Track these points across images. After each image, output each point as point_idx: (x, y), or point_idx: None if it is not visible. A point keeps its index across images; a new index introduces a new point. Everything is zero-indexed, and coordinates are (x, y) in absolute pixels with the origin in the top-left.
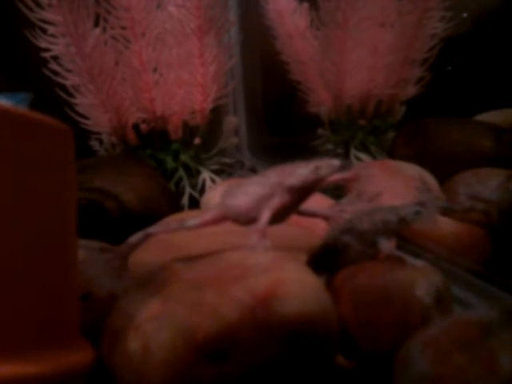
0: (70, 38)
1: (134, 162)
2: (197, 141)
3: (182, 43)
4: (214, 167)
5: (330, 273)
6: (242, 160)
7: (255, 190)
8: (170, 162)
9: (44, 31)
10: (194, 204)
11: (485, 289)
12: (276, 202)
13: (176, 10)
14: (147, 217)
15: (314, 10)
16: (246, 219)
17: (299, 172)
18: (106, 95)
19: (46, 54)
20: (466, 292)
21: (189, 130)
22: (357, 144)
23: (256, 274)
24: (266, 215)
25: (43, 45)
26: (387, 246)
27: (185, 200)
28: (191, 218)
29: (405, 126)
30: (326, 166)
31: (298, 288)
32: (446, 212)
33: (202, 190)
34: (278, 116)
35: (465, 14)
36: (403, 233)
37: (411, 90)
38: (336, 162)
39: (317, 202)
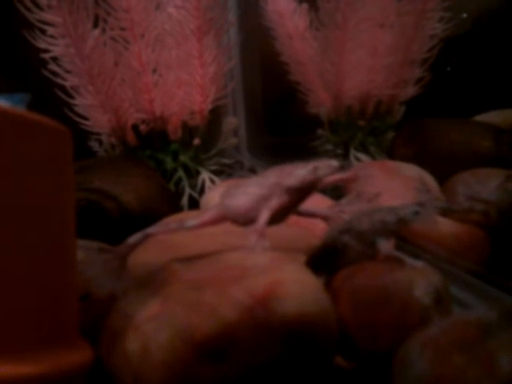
0: (69, 38)
1: (134, 162)
2: (196, 141)
3: (181, 44)
4: (214, 168)
5: (329, 273)
6: (242, 160)
7: (254, 190)
8: (169, 163)
9: (43, 32)
10: (194, 204)
11: (484, 289)
12: (275, 202)
13: (175, 11)
14: (146, 217)
15: (313, 11)
16: (245, 220)
17: (298, 172)
18: (106, 96)
19: (46, 55)
20: (465, 292)
21: (188, 131)
22: (356, 144)
23: (255, 275)
24: (264, 216)
25: (42, 46)
26: (386, 246)
27: (184, 200)
28: (190, 218)
29: (404, 127)
30: (324, 167)
31: (297, 288)
32: (445, 212)
33: (202, 191)
34: (278, 117)
35: (464, 15)
36: (402, 233)
37: (410, 91)
38: (335, 163)
39: (316, 202)
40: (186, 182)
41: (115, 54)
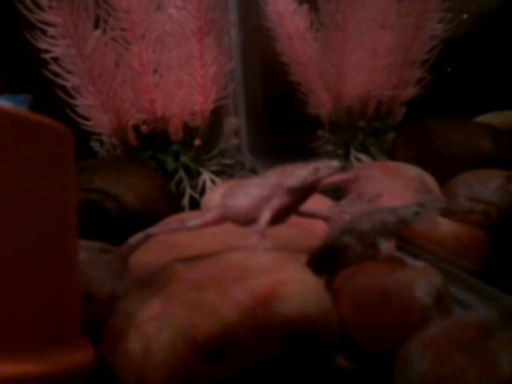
0: (70, 39)
1: (135, 162)
2: (197, 142)
3: (182, 45)
4: (215, 168)
5: (330, 274)
6: (243, 161)
7: (255, 191)
8: (170, 163)
9: (44, 33)
10: (195, 205)
11: (484, 290)
12: (276, 202)
13: (176, 12)
14: (147, 217)
15: (313, 12)
16: (246, 220)
17: (299, 173)
18: (107, 96)
19: (47, 56)
20: (465, 293)
21: (189, 131)
22: (357, 145)
23: (256, 275)
24: (265, 216)
25: (43, 46)
26: (387, 246)
27: (185, 201)
28: (191, 218)
29: (405, 128)
30: (325, 167)
31: (298, 289)
32: (445, 213)
33: (203, 191)
34: (278, 117)
35: (464, 16)
36: (403, 234)
37: (411, 92)
38: (335, 163)
39: (317, 202)
40: (186, 183)
41: (116, 55)
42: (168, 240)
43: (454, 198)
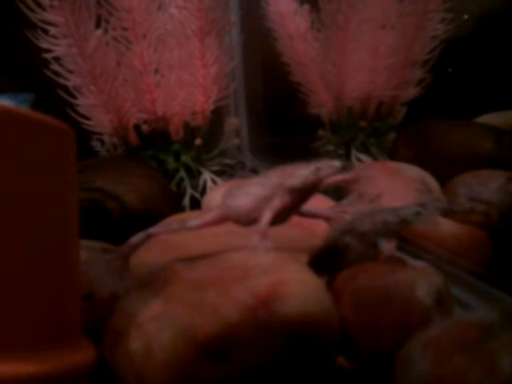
0: (71, 39)
1: (136, 162)
2: (198, 142)
3: (183, 45)
4: (215, 168)
5: (331, 274)
6: (243, 161)
7: (256, 190)
8: (171, 163)
9: (46, 32)
10: (195, 205)
11: (485, 290)
12: (277, 203)
13: (177, 12)
14: (148, 217)
15: (314, 12)
16: (247, 220)
17: (300, 173)
18: (108, 96)
19: (48, 55)
20: (466, 293)
21: (190, 131)
22: (358, 145)
23: (257, 275)
24: (266, 216)
25: (45, 46)
26: (388, 247)
27: (186, 201)
28: (192, 218)
29: (405, 128)
30: (326, 167)
31: (299, 289)
32: (446, 213)
33: (203, 191)
34: (279, 117)
35: (465, 16)
36: (404, 234)
37: (412, 92)
38: (336, 164)
39: (318, 203)
40: (187, 183)
41: (117, 54)
42: (169, 240)
43: (455, 198)
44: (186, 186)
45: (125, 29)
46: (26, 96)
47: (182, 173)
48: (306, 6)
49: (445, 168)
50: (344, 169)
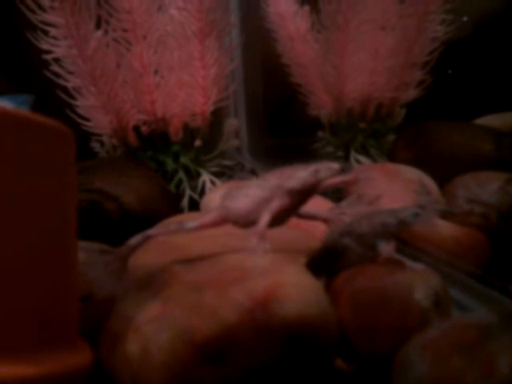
0: (71, 40)
1: (135, 163)
2: (197, 143)
3: (183, 46)
4: (215, 169)
5: (329, 275)
6: (243, 162)
7: (255, 192)
8: (170, 164)
9: (46, 33)
10: (194, 206)
11: (484, 292)
12: (276, 204)
13: (177, 13)
14: (147, 218)
15: (314, 13)
16: (246, 222)
17: (299, 175)
18: (108, 97)
19: (48, 56)
20: (464, 295)
21: (189, 132)
22: (357, 147)
23: (255, 277)
24: (265, 218)
25: (45, 47)
26: (386, 248)
27: (185, 202)
28: (191, 220)
29: (405, 129)
30: (325, 169)
31: (297, 291)
32: (445, 215)
33: (202, 192)
34: (279, 118)
35: (465, 18)
36: (403, 236)
37: (412, 94)
38: (335, 165)
39: (316, 204)
40: (186, 184)
41: (117, 56)
42: (167, 241)
43: (454, 200)
44: (184, 187)
45: (125, 30)
46: (26, 97)
47: (181, 174)
48: (306, 8)
49: (444, 170)
50: (343, 170)
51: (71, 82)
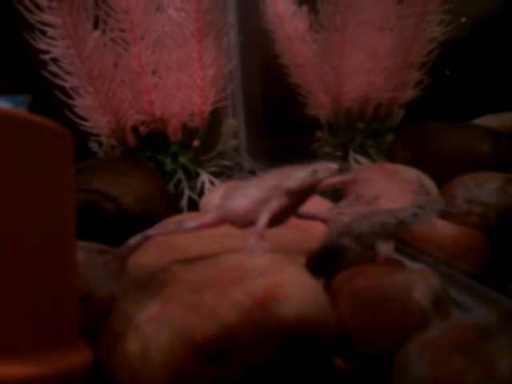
0: (69, 40)
1: (133, 163)
2: (196, 143)
3: (181, 46)
4: (213, 169)
5: (329, 275)
6: (241, 162)
7: (254, 192)
8: (169, 164)
9: (43, 33)
10: (193, 206)
11: (483, 292)
12: (274, 204)
13: (175, 13)
14: (146, 219)
15: (313, 14)
16: (245, 222)
17: (297, 175)
18: (105, 97)
19: (46, 56)
20: (464, 295)
21: (188, 133)
22: (355, 147)
23: (255, 277)
24: (264, 218)
25: (42, 47)
26: (385, 248)
27: (184, 202)
28: (190, 220)
29: (403, 130)
30: (324, 169)
31: (297, 290)
32: (444, 215)
33: (201, 192)
34: (277, 119)
35: (463, 19)
36: (402, 236)
37: (410, 94)
38: (334, 165)
39: (315, 204)
40: (185, 184)
41: (115, 56)
42: (167, 241)
43: (453, 200)
44: (183, 187)
45: (123, 30)
46: (24, 97)
47: (180, 174)
48: (305, 8)
49: (442, 170)
50: (341, 171)
51: (69, 82)
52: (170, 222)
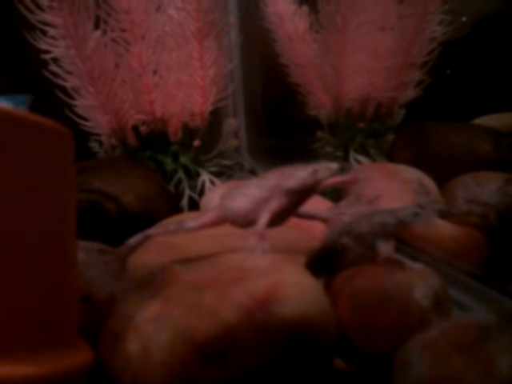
0: (70, 40)
1: (134, 163)
2: (196, 143)
3: (181, 46)
4: (214, 169)
5: (329, 275)
6: (242, 162)
7: (254, 192)
8: (169, 164)
9: (44, 33)
10: (194, 206)
11: (483, 292)
12: (275, 204)
13: (176, 13)
14: (146, 218)
15: (313, 13)
16: (245, 221)
17: (298, 175)
18: (106, 97)
19: (46, 56)
20: (464, 295)
21: (188, 132)
22: (356, 147)
23: (255, 277)
24: (264, 218)
25: (43, 47)
26: (386, 248)
27: (184, 202)
28: (190, 219)
29: (404, 129)
30: (324, 169)
31: (297, 290)
32: (444, 215)
33: (202, 192)
34: (278, 118)
35: (464, 18)
36: (402, 236)
37: (410, 94)
38: (334, 165)
39: (316, 204)
40: (185, 184)
41: (116, 56)
42: (167, 241)
43: (453, 200)
44: (184, 187)
45: (123, 30)
46: (24, 97)
47: (181, 174)
48: (305, 8)
49: (443, 170)
50: (342, 170)
51: (70, 82)
52: (171, 222)
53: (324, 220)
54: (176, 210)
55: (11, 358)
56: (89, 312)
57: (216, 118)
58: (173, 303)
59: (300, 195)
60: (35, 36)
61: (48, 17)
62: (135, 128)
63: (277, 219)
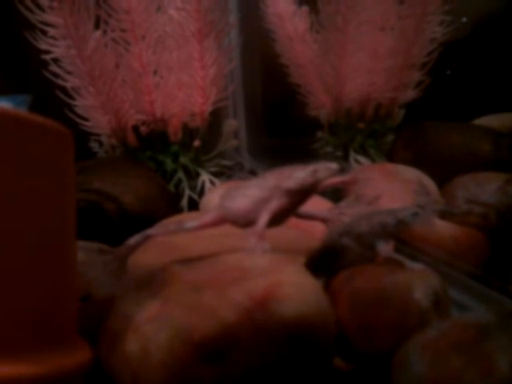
0: (70, 40)
1: (134, 163)
2: (196, 143)
3: (182, 46)
4: (214, 169)
5: (328, 275)
6: (242, 162)
7: (254, 192)
8: (169, 164)
9: (44, 33)
10: (194, 206)
11: (483, 292)
12: (274, 204)
13: (176, 13)
14: (146, 218)
15: (313, 14)
16: (245, 222)
17: (297, 175)
18: (106, 97)
19: (47, 56)
20: (464, 295)
21: (188, 132)
22: (356, 147)
23: (254, 277)
24: (264, 218)
25: (44, 47)
26: (385, 248)
27: (184, 202)
28: (190, 220)
29: (404, 130)
30: (324, 169)
31: (296, 290)
32: (444, 215)
33: (202, 192)
34: (278, 119)
35: (464, 19)
36: (402, 236)
37: (410, 94)
38: (334, 165)
39: (316, 204)
40: (185, 184)
41: (116, 56)
42: (167, 241)
43: (453, 200)
44: (184, 187)
45: (123, 30)
46: (24, 97)
47: (181, 174)
48: (305, 8)
49: (443, 170)
50: (342, 171)
51: (70, 82)
52: (171, 222)
53: (324, 220)
54: (176, 210)
55: (11, 358)
56: (88, 312)
57: (216, 118)
58: (172, 303)
59: (300, 195)
60: (35, 36)
61: (48, 17)
62: (135, 128)
63: (277, 219)
